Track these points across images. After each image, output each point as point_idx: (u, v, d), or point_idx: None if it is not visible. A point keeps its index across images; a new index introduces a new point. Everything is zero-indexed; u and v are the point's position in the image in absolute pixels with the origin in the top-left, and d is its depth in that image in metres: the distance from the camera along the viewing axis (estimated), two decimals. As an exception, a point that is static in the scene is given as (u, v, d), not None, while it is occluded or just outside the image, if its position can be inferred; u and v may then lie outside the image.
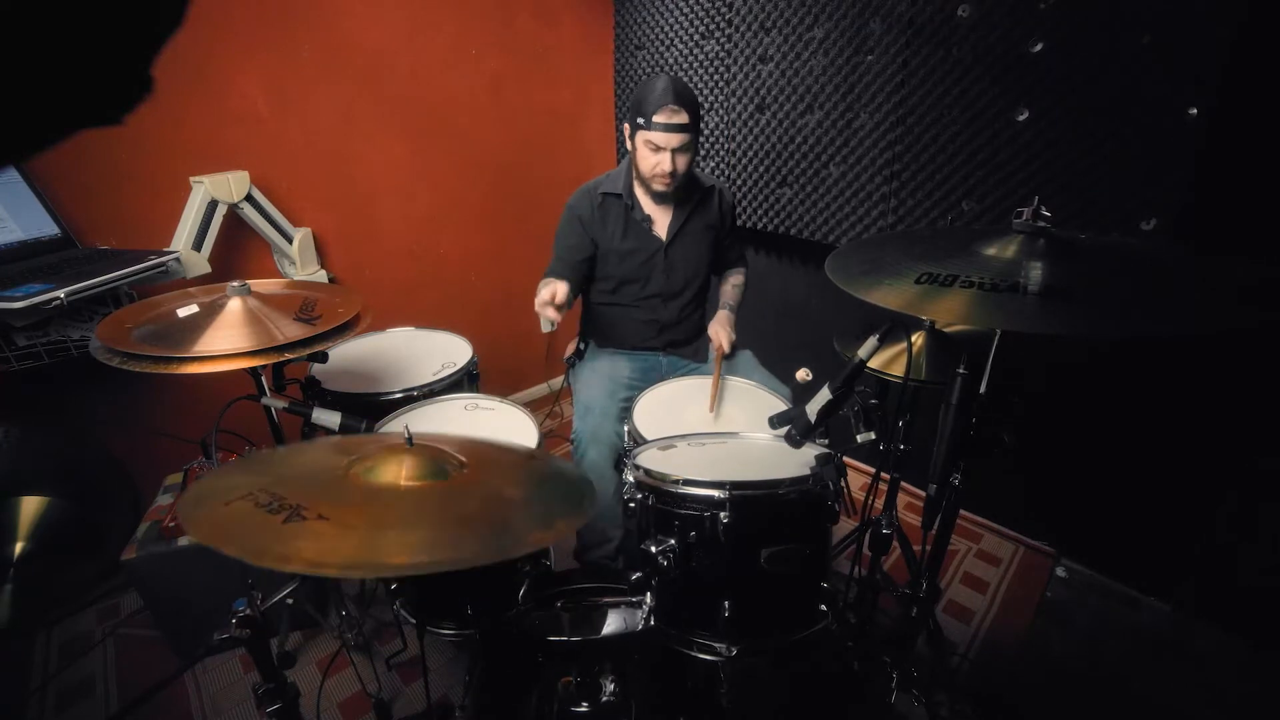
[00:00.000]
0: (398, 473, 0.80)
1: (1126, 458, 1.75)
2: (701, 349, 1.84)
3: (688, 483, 1.08)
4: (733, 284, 1.89)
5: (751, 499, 1.07)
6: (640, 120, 1.51)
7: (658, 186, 1.60)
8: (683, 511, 1.09)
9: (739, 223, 2.37)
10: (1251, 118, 1.34)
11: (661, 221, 1.72)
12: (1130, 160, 1.46)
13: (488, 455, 0.94)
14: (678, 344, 1.83)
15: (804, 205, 2.21)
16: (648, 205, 1.70)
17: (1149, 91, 1.40)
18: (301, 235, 2.05)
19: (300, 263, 2.06)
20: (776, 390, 1.57)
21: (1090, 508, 1.86)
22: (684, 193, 1.70)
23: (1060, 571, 1.92)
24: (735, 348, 1.72)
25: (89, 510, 1.69)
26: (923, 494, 1.36)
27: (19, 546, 1.56)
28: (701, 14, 2.32)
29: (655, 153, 1.54)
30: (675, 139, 1.51)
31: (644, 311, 1.78)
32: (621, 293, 1.76)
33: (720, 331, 1.69)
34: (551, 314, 1.48)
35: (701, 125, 2.43)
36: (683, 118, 1.49)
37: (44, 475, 1.65)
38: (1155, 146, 1.42)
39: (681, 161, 1.55)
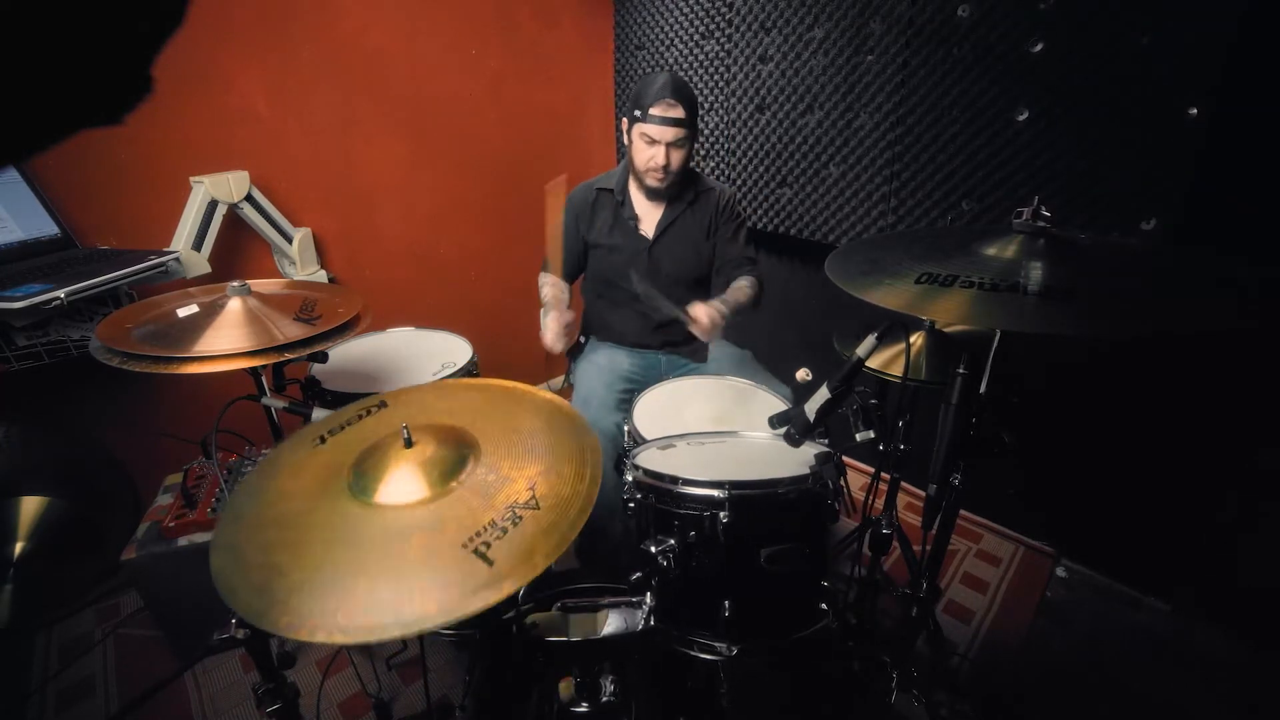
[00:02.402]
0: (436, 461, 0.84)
1: (1126, 457, 1.75)
2: (701, 349, 1.84)
3: (687, 482, 1.08)
4: (734, 286, 1.68)
5: (751, 498, 1.07)
6: (637, 113, 1.52)
7: (651, 181, 1.60)
8: (682, 511, 1.10)
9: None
10: (1251, 118, 1.34)
11: (649, 220, 1.71)
12: (1130, 160, 1.46)
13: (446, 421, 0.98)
14: (675, 343, 1.82)
15: (804, 205, 2.21)
16: (639, 203, 1.70)
17: (1149, 91, 1.40)
18: (301, 235, 2.04)
19: (300, 263, 2.06)
20: (776, 390, 1.56)
21: (1090, 508, 1.86)
22: (677, 189, 1.69)
23: (1060, 571, 1.92)
24: (737, 346, 1.70)
25: (89, 510, 1.69)
26: (923, 494, 1.35)
27: (19, 546, 1.56)
28: (701, 14, 2.32)
29: (650, 145, 1.54)
30: (670, 133, 1.51)
31: (634, 309, 1.77)
32: (611, 290, 1.77)
33: (699, 306, 1.44)
34: (555, 327, 1.54)
35: (700, 124, 2.43)
36: (679, 112, 1.49)
37: (44, 475, 1.65)
38: (1155, 146, 1.42)
39: (676, 157, 1.55)
